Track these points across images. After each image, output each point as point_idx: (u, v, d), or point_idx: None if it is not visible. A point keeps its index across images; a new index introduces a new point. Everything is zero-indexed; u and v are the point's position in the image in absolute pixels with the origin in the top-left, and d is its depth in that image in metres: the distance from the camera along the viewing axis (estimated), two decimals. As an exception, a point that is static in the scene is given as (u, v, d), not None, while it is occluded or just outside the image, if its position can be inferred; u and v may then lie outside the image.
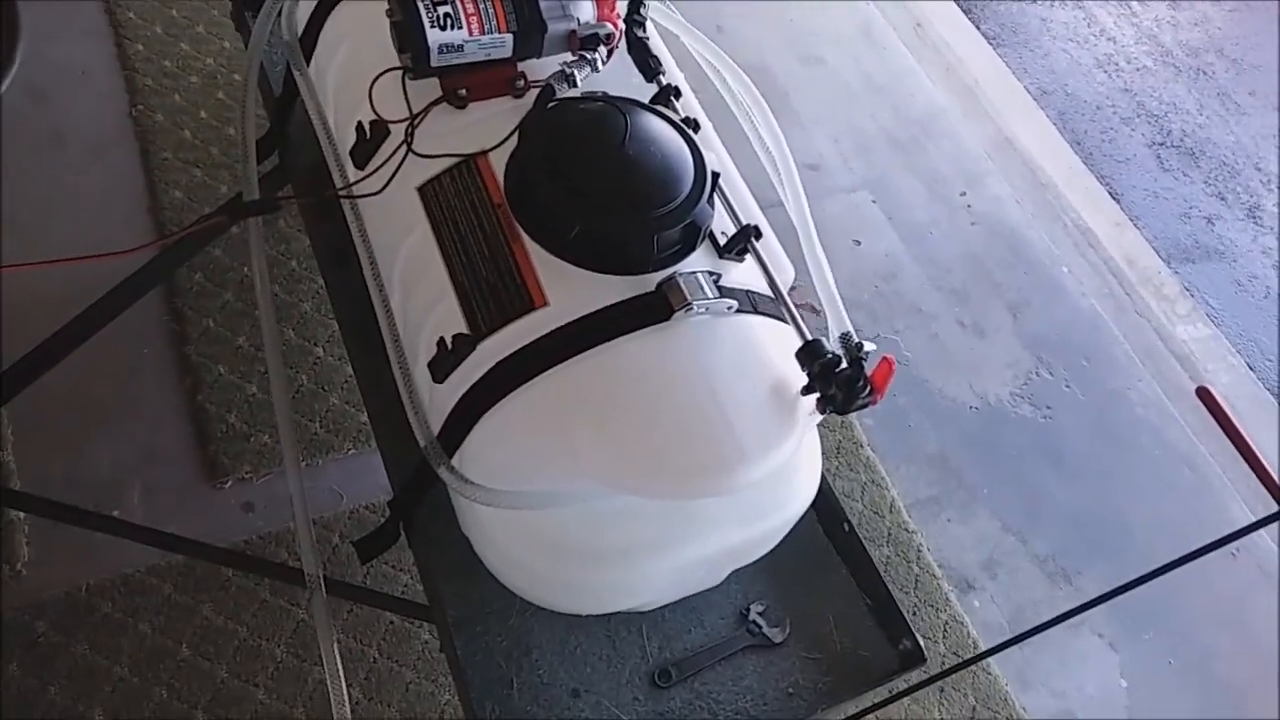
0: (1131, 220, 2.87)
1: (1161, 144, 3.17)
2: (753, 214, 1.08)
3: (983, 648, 1.85)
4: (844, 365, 0.93)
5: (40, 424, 1.56)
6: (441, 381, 0.99)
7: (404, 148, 1.06)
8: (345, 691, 1.05)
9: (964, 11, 3.23)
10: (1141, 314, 2.61)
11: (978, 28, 3.20)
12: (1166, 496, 2.22)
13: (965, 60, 3.04)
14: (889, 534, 1.92)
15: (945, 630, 1.85)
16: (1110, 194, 2.93)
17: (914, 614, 1.85)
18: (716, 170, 1.01)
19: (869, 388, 0.92)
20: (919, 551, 1.92)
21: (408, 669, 1.50)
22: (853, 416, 2.05)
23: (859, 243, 2.45)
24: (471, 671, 1.08)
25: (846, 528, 1.23)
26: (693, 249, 0.99)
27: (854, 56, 2.90)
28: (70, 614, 1.42)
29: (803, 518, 1.09)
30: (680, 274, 0.95)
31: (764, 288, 1.03)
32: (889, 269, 2.42)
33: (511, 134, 1.02)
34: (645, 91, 1.11)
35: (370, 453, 1.67)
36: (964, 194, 2.69)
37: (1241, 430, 0.99)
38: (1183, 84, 3.40)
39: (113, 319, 1.30)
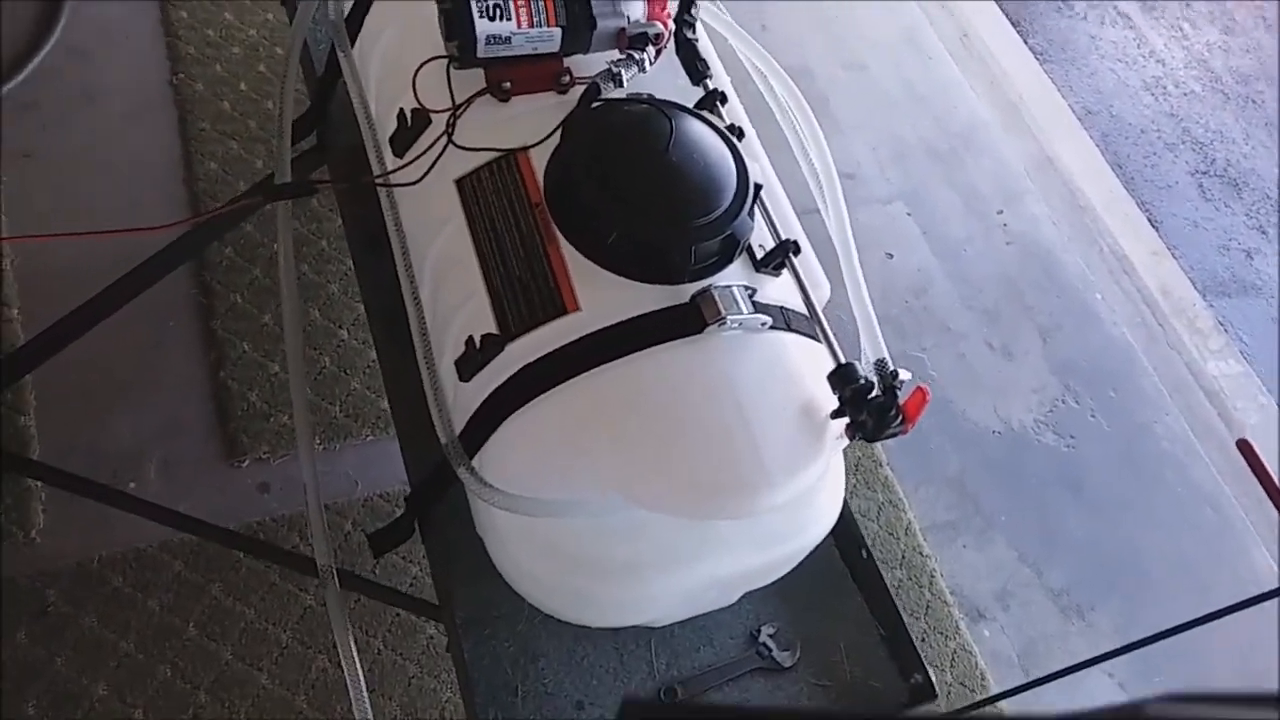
0: (1169, 249, 2.82)
1: (1205, 172, 3.12)
2: (793, 228, 1.06)
3: (991, 679, 1.82)
4: (877, 392, 0.90)
5: (63, 391, 1.55)
6: (468, 380, 0.97)
7: (444, 138, 1.04)
8: (365, 692, 1.04)
9: (1012, 24, 3.18)
10: (1173, 346, 2.57)
11: (1025, 41, 3.15)
12: (1187, 536, 2.18)
13: (1011, 74, 2.99)
14: (903, 557, 1.89)
15: (953, 659, 1.83)
16: (1150, 221, 2.88)
17: (923, 640, 1.83)
18: (759, 182, 0.99)
19: (901, 417, 0.90)
20: (932, 577, 1.90)
21: (411, 663, 1.49)
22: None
23: (891, 255, 2.42)
24: (477, 675, 1.07)
25: (864, 554, 1.21)
26: (730, 261, 0.97)
27: (897, 63, 2.86)
28: (81, 585, 1.42)
29: (821, 543, 1.07)
30: (715, 286, 0.93)
31: (799, 304, 1.01)
32: (920, 284, 2.39)
33: (554, 132, 1.00)
34: (691, 93, 1.09)
35: (388, 440, 1.66)
36: (1001, 212, 2.65)
37: (1282, 486, 0.96)
38: (1230, 112, 3.33)
39: (140, 293, 1.30)
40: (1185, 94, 3.33)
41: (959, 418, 2.19)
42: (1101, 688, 1.93)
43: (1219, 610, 1.07)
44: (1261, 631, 2.12)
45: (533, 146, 1.01)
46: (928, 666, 1.14)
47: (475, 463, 0.97)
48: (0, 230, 1.65)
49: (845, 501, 1.08)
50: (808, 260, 1.04)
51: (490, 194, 1.01)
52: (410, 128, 1.08)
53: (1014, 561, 2.02)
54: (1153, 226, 2.88)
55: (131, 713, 1.35)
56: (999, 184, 2.71)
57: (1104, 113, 3.13)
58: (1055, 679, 1.05)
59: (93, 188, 1.77)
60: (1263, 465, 1.01)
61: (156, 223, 1.12)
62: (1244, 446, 1.08)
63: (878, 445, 2.03)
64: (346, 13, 1.20)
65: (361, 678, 0.95)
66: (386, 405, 1.66)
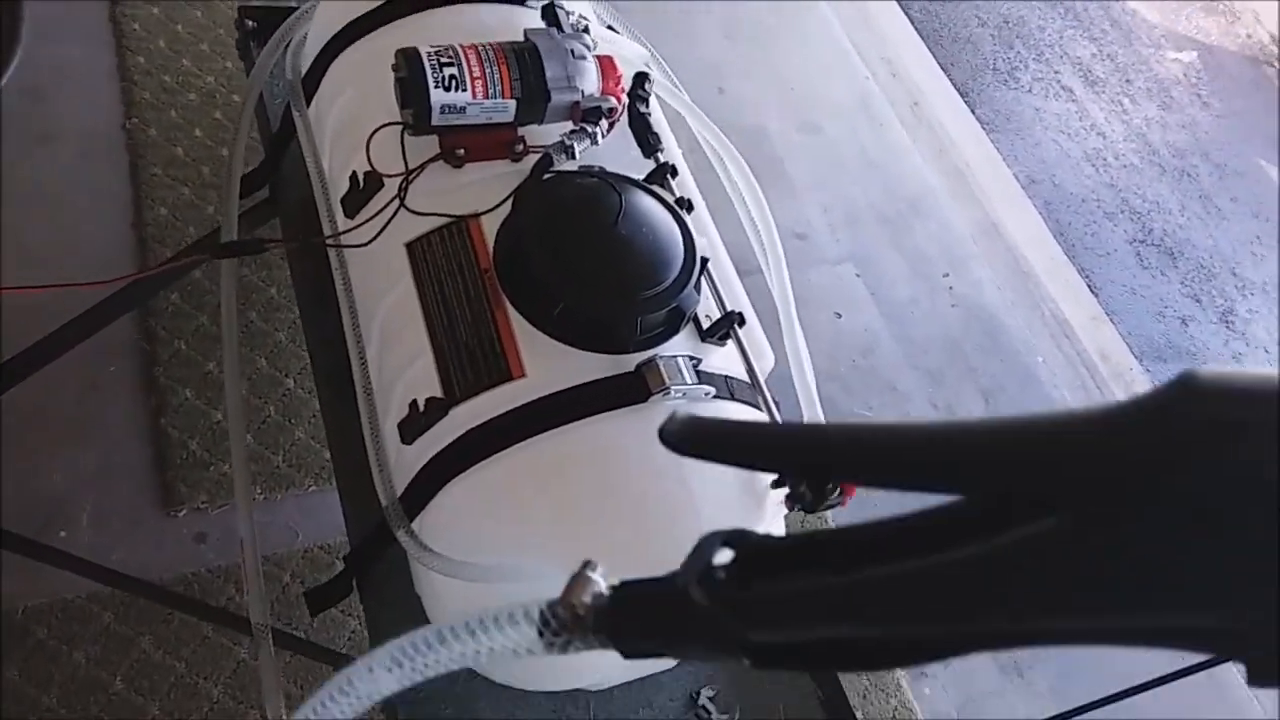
0: (1108, 315, 2.92)
1: (1142, 241, 3.23)
2: (738, 299, 1.08)
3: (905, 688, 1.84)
4: (815, 466, 0.92)
5: (-5, 434, 1.52)
6: (410, 443, 0.97)
7: (396, 201, 1.05)
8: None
9: (961, 94, 3.30)
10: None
11: (973, 111, 3.27)
12: (1123, 596, 2.22)
13: (958, 143, 3.09)
14: (846, 614, 1.91)
15: (894, 717, 1.84)
16: (1089, 287, 2.97)
17: (864, 697, 1.84)
18: (706, 255, 1.01)
19: (839, 490, 0.92)
20: (875, 634, 1.91)
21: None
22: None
23: (840, 315, 2.47)
24: (408, 735, 1.06)
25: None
26: (676, 331, 0.99)
27: (851, 128, 2.94)
28: (3, 636, 1.38)
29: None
30: (661, 356, 0.95)
31: (743, 374, 1.03)
32: (867, 344, 2.43)
33: (505, 200, 1.02)
34: (643, 164, 1.12)
35: (330, 491, 1.64)
36: (947, 275, 2.72)
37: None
38: (1167, 184, 3.47)
39: (80, 342, 1.28)
40: (1124, 166, 3.47)
41: (903, 477, 2.22)
42: None
43: (1160, 678, 1.09)
44: (1202, 699, 2.17)
45: (484, 214, 1.02)
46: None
47: (415, 525, 0.97)
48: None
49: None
50: (752, 331, 1.07)
51: (440, 258, 1.02)
52: (363, 190, 1.09)
53: (954, 621, 2.04)
54: (1092, 292, 2.97)
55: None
56: (945, 248, 2.78)
57: (1047, 182, 3.25)
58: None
59: (42, 228, 1.74)
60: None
61: (101, 269, 1.12)
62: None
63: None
64: (304, 71, 1.21)
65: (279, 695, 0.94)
66: (329, 456, 1.65)
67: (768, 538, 0.40)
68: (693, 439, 0.42)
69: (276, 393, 1.70)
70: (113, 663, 1.40)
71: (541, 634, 0.42)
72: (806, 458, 0.40)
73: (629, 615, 0.42)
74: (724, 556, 0.39)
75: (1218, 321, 3.10)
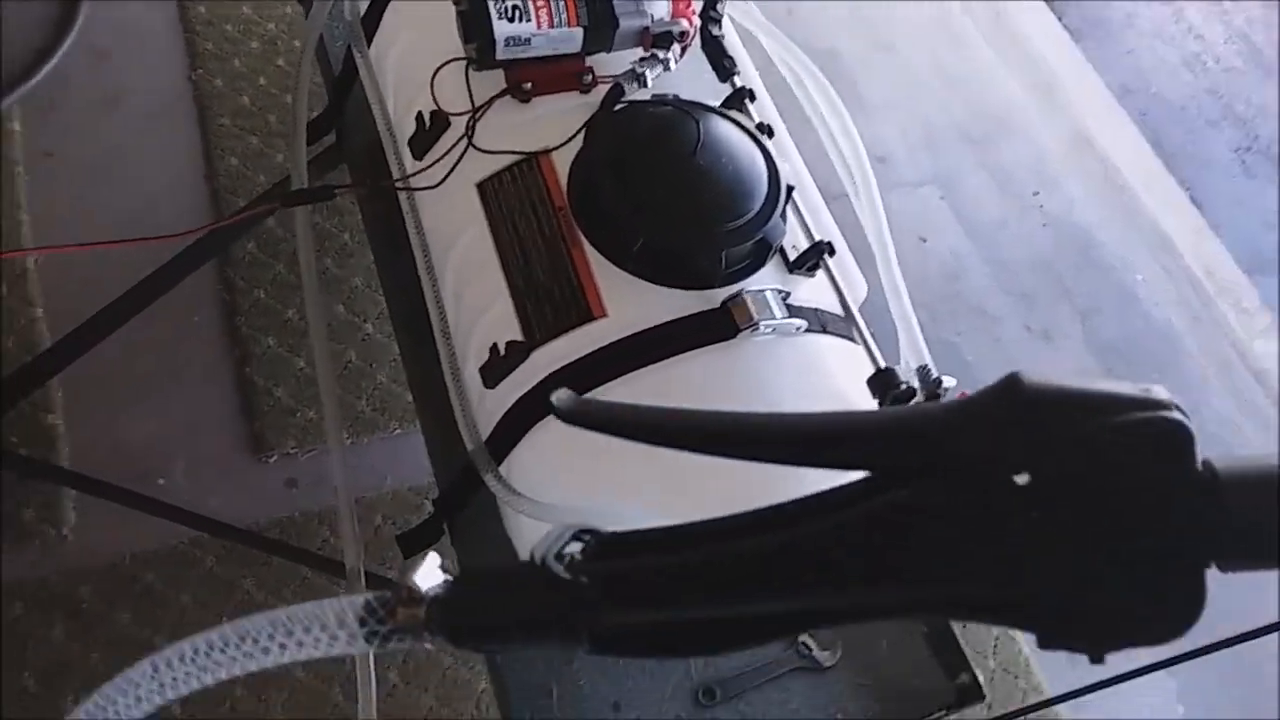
0: (1212, 227, 2.75)
1: (1248, 149, 3.03)
2: (826, 228, 1.03)
3: (1035, 667, 1.79)
4: (919, 399, 0.88)
5: (88, 389, 1.56)
6: (493, 387, 0.96)
7: (464, 141, 1.02)
8: (374, 692, 1.03)
9: (1046, 3, 3.10)
10: (1218, 326, 2.50)
11: (1060, 20, 3.07)
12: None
13: (1045, 54, 2.91)
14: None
15: (996, 645, 1.80)
16: (1191, 199, 2.80)
17: (964, 627, 1.80)
18: (791, 183, 0.96)
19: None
20: (969, 565, 1.86)
21: (446, 655, 1.49)
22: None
23: (924, 240, 2.37)
24: (510, 676, 1.06)
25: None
26: (762, 264, 0.94)
27: (928, 45, 2.79)
28: (113, 583, 1.43)
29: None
30: (748, 290, 0.91)
31: (835, 306, 0.98)
32: (954, 268, 2.34)
33: (577, 134, 0.97)
34: (718, 90, 1.06)
35: (415, 433, 1.64)
36: (1037, 193, 2.59)
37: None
38: (1273, 87, 3.23)
39: (162, 295, 1.29)
40: (1226, 69, 3.23)
41: (994, 405, 2.15)
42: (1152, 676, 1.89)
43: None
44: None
45: (555, 149, 0.98)
46: (974, 667, 1.11)
47: (503, 469, 0.95)
48: (24, 228, 1.65)
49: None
50: (843, 260, 1.01)
51: (512, 197, 0.99)
52: (429, 130, 1.05)
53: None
54: (1194, 205, 2.80)
55: (169, 709, 1.36)
56: (1034, 166, 2.64)
57: (1142, 91, 3.05)
58: (1114, 684, 1.01)
59: (114, 186, 1.77)
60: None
61: (177, 222, 1.12)
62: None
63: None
64: (363, 12, 1.18)
65: (373, 680, 0.95)
66: (413, 399, 1.66)
67: (621, 531, 0.42)
68: (584, 417, 0.44)
69: (356, 337, 1.71)
70: (217, 604, 1.44)
71: (370, 636, 0.41)
72: (688, 440, 0.43)
73: (472, 599, 0.42)
74: (573, 548, 0.41)
75: (1332, 229, 2.90)
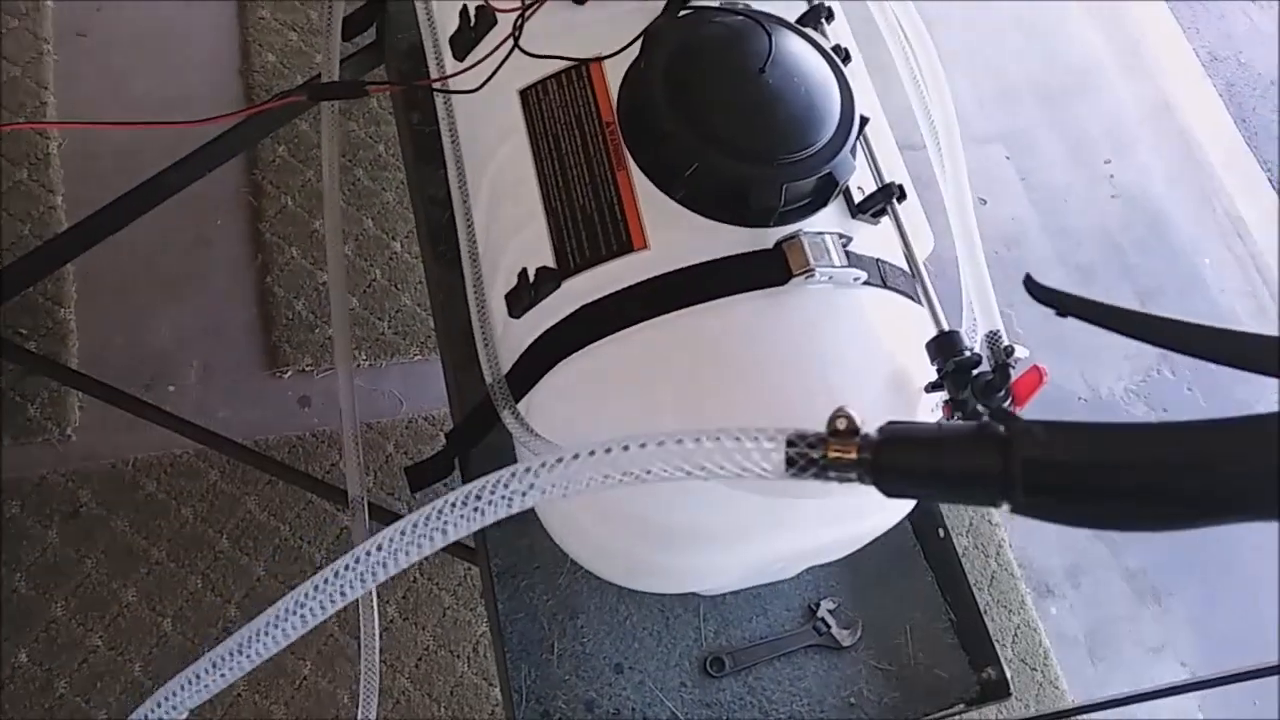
0: (1290, 214, 2.60)
1: (1339, 132, 2.85)
2: (897, 170, 0.93)
3: (1054, 659, 1.72)
4: (985, 368, 0.78)
5: (104, 285, 1.50)
6: (518, 317, 0.87)
7: (510, 42, 0.92)
8: (376, 610, 0.97)
9: (1140, -45, 2.91)
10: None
11: (1153, -25, 2.88)
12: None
13: (1133, 10, 2.73)
14: (970, 524, 1.78)
15: (1016, 635, 1.73)
16: (1270, 182, 2.64)
17: (984, 612, 1.73)
18: (865, 115, 0.86)
19: (1010, 399, 0.78)
20: (999, 547, 1.79)
21: (447, 593, 1.44)
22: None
23: (985, 201, 2.25)
24: (511, 629, 1.00)
25: (941, 534, 1.10)
26: (824, 204, 0.85)
27: (1010, -8, 2.63)
28: (114, 487, 1.39)
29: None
30: (805, 233, 0.81)
31: (898, 258, 0.88)
32: (1014, 234, 2.22)
33: (633, 42, 0.88)
34: (793, 7, 0.96)
35: (436, 360, 1.58)
36: (1108, 161, 2.44)
37: None
38: (1374, 66, 3.03)
39: (185, 186, 1.22)
40: (1326, 42, 3.03)
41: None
42: (1170, 673, 1.82)
43: None
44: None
45: (608, 57, 0.89)
46: (1003, 662, 1.04)
47: (522, 407, 0.88)
48: (49, 109, 1.58)
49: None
50: (912, 208, 0.91)
51: (557, 108, 0.90)
52: (473, 28, 0.96)
53: (1088, 537, 1.90)
54: (1273, 188, 2.64)
55: (160, 621, 1.32)
56: (1109, 131, 2.49)
57: (1232, 59, 2.86)
58: (1140, 701, 0.94)
59: (145, 75, 1.69)
60: None
61: (208, 114, 1.03)
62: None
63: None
64: (412, -109, 1.07)
65: (376, 613, 0.89)
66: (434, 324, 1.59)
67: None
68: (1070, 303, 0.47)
69: (383, 256, 1.63)
70: (219, 521, 1.40)
71: (790, 461, 0.44)
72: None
73: (911, 442, 0.44)
74: None
75: None
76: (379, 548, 0.48)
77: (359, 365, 1.53)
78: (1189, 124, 2.60)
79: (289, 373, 1.52)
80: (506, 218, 0.92)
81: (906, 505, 0.94)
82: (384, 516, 1.13)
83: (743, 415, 0.81)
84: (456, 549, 1.19)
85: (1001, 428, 0.42)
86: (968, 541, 1.77)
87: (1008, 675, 1.04)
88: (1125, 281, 2.25)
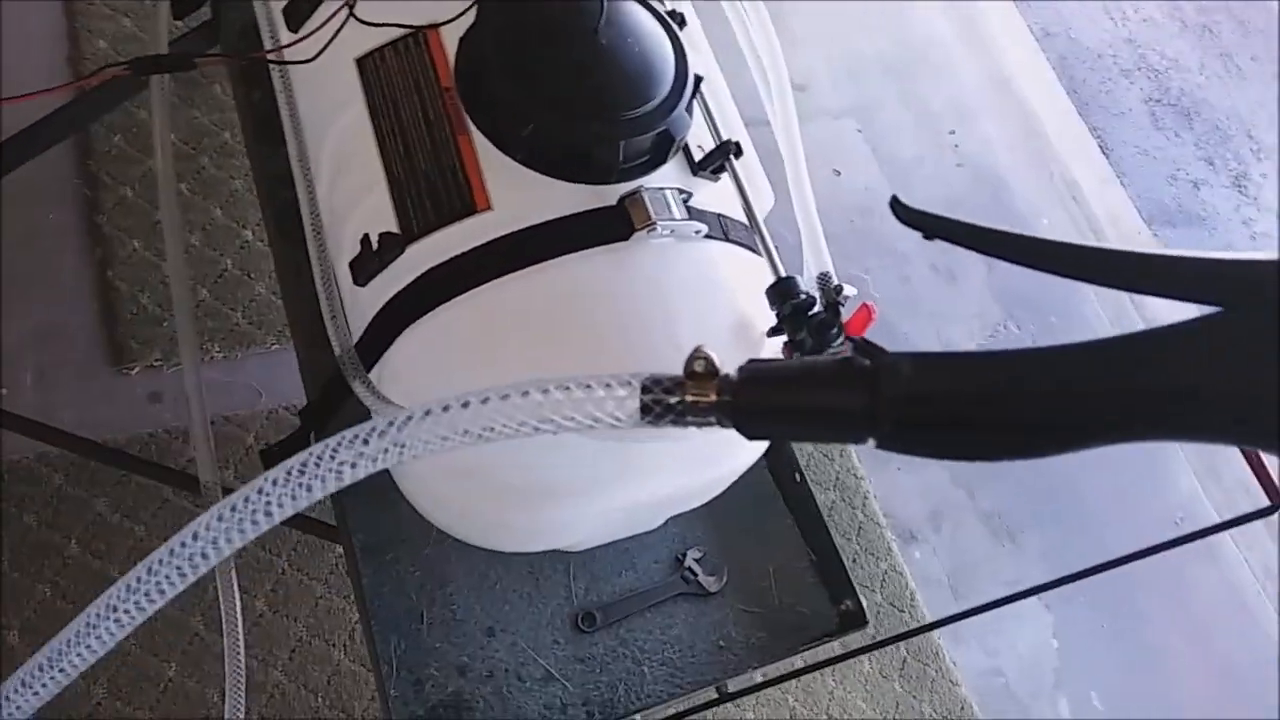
0: (1118, 177, 2.79)
1: (1158, 101, 3.07)
2: (734, 128, 0.96)
3: (921, 601, 1.81)
4: (818, 309, 0.82)
5: (-75, 286, 1.41)
6: (364, 285, 0.87)
7: (345, 11, 0.91)
8: (237, 598, 0.95)
9: (974, -62, 3.06)
10: (1116, 275, 2.55)
11: (986, -43, 3.04)
12: (1117, 462, 2.18)
13: (971, -11, 2.88)
14: (837, 479, 1.86)
15: (884, 580, 1.81)
16: (1101, 147, 2.83)
17: (854, 561, 1.81)
18: (700, 74, 0.88)
19: (842, 336, 0.82)
20: (865, 499, 1.87)
21: (318, 583, 1.41)
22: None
23: (839, 173, 2.33)
24: (378, 603, 0.99)
25: (798, 478, 1.15)
26: (663, 161, 0.87)
27: (856, -27, 2.73)
28: (-54, 499, 1.30)
29: (752, 465, 1.01)
30: (646, 188, 0.84)
31: (738, 213, 0.92)
32: (867, 203, 2.31)
33: (470, 7, 0.88)
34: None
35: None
36: (953, 132, 2.57)
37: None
38: (1187, 40, 3.28)
39: (4, 174, 1.15)
40: (1144, 20, 3.26)
41: (900, 341, 2.14)
42: (1026, 605, 1.94)
43: (1147, 549, 1.04)
44: (1186, 556, 2.15)
45: (444, 24, 0.89)
46: (859, 593, 1.09)
47: (373, 375, 0.87)
48: None
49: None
50: (750, 166, 0.95)
51: (395, 75, 0.89)
52: (307, -2, 0.95)
53: (946, 484, 2.00)
54: (1103, 153, 2.83)
55: (5, 634, 1.25)
56: (953, 103, 2.62)
57: (1062, 35, 3.05)
58: (989, 609, 1.01)
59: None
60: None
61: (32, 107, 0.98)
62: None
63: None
64: None
65: (236, 596, 0.87)
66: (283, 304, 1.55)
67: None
68: (937, 224, 0.45)
69: (234, 245, 1.58)
70: (66, 526, 1.33)
71: (645, 408, 0.42)
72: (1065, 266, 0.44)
73: (773, 381, 0.42)
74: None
75: (1230, 185, 2.98)
76: (195, 536, 0.44)
77: (212, 357, 1.48)
78: (1025, 95, 2.76)
79: (136, 369, 1.46)
80: (349, 187, 0.91)
81: (763, 445, 0.97)
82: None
83: (592, 369, 0.83)
84: (317, 529, 1.17)
85: (867, 361, 0.41)
86: (835, 495, 1.84)
87: (864, 605, 1.09)
88: (972, 244, 2.37)
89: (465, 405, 0.43)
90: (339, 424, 1.00)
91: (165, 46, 1.01)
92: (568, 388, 0.42)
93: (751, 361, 0.43)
